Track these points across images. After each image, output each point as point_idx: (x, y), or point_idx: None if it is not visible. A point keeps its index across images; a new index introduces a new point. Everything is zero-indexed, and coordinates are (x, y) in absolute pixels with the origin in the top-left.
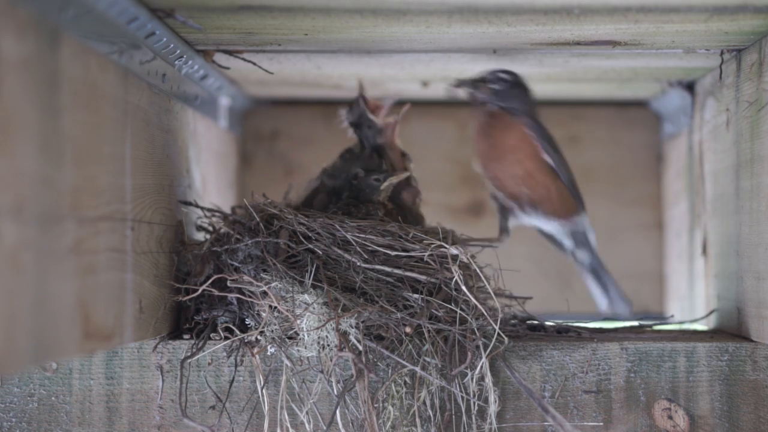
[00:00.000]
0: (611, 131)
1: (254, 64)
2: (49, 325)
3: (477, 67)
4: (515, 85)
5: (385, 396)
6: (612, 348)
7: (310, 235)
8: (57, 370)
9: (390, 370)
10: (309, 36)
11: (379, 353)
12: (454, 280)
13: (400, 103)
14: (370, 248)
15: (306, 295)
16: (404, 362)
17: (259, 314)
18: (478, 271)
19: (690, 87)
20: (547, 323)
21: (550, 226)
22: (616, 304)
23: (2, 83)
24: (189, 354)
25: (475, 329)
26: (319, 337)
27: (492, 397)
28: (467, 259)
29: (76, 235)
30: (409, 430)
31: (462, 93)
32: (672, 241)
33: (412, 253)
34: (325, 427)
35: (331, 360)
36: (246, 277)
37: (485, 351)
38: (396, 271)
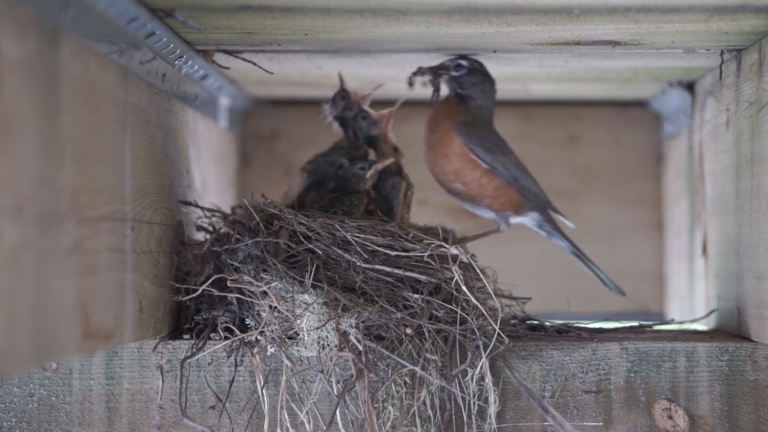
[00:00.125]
0: (611, 131)
1: (254, 64)
2: (49, 325)
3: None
4: (474, 71)
5: (385, 396)
6: (612, 348)
7: (310, 235)
8: (57, 370)
9: (390, 370)
10: (309, 36)
11: (379, 353)
12: (455, 280)
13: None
14: (370, 248)
15: (306, 295)
16: (404, 362)
17: (259, 314)
18: (478, 271)
19: (690, 87)
20: (547, 323)
21: (502, 218)
22: (609, 285)
23: (2, 83)
24: (189, 354)
25: (475, 329)
26: (319, 337)
27: (492, 397)
28: (467, 259)
29: (76, 235)
30: (409, 430)
31: (420, 81)
32: (672, 241)
33: (412, 253)
34: (325, 427)
35: (331, 360)
36: (246, 277)
37: (485, 351)
38: (396, 271)
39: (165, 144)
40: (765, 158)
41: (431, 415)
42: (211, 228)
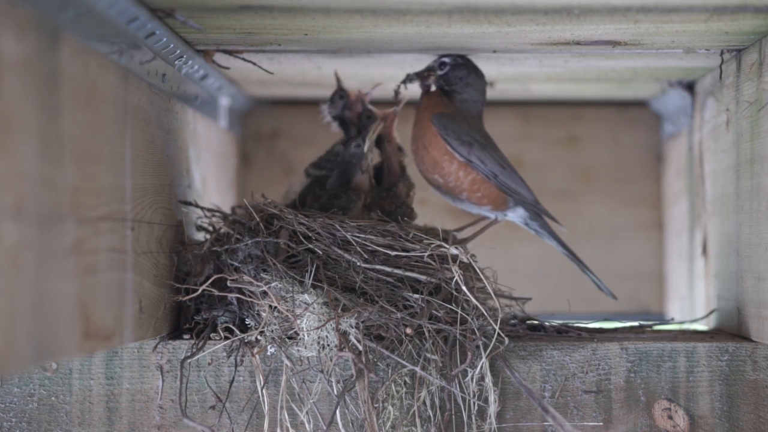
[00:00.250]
0: (611, 131)
1: (254, 64)
2: (49, 325)
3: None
4: (457, 66)
5: (385, 396)
6: (612, 348)
7: (310, 235)
8: (57, 370)
9: (390, 370)
10: (309, 36)
11: (379, 353)
12: (455, 280)
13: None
14: (370, 248)
15: (306, 295)
16: (404, 362)
17: (259, 314)
18: (478, 271)
19: (690, 87)
20: (547, 323)
21: (483, 213)
22: (602, 287)
23: (2, 83)
24: (189, 354)
25: (476, 329)
26: (319, 337)
27: (492, 397)
28: (467, 259)
29: (76, 235)
30: (409, 430)
31: (405, 88)
32: (672, 241)
33: (412, 253)
34: (325, 427)
35: (331, 360)
36: (246, 277)
37: (485, 351)
38: (396, 271)
39: (165, 144)
40: (765, 158)
41: (431, 415)
42: (211, 228)
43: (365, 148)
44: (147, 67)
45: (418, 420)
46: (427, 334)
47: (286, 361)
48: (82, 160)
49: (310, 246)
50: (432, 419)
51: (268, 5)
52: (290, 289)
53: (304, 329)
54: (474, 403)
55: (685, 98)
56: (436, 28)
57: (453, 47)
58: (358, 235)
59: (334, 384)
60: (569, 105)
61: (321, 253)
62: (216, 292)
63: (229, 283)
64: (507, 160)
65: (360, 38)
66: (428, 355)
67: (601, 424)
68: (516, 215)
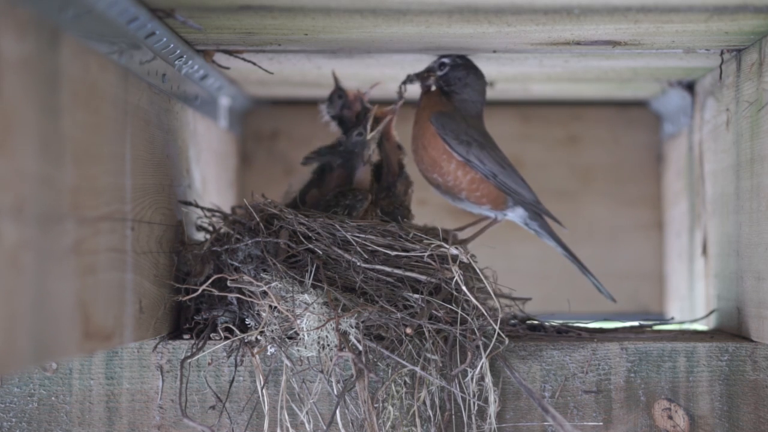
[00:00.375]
0: (611, 131)
1: (254, 64)
2: (49, 325)
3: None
4: (456, 67)
5: (385, 396)
6: (612, 348)
7: (310, 235)
8: (57, 370)
9: (390, 370)
10: (309, 36)
11: (379, 353)
12: (455, 280)
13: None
14: (370, 248)
15: (306, 295)
16: (404, 362)
17: (259, 314)
18: (478, 271)
19: (690, 87)
20: (547, 323)
21: (483, 213)
22: (601, 289)
23: (2, 83)
24: (189, 354)
25: (476, 329)
26: (319, 337)
27: (492, 397)
28: (467, 259)
29: (76, 235)
30: (409, 430)
31: (404, 90)
32: (672, 241)
33: (412, 253)
34: (325, 427)
35: (331, 360)
36: (246, 277)
37: (485, 351)
38: (396, 271)
39: (165, 144)
40: (765, 158)
41: (431, 415)
42: (211, 228)
43: (368, 136)
44: (147, 67)
45: (418, 420)
46: (427, 334)
47: (286, 361)
48: (82, 160)
49: (310, 246)
50: (432, 419)
51: (268, 5)
52: (290, 289)
53: (304, 329)
54: (474, 403)
55: (685, 98)
56: (436, 28)
57: (453, 47)
58: (358, 235)
59: (334, 384)
60: (569, 105)
61: (321, 253)
62: (216, 292)
63: (229, 283)
64: (507, 159)
65: (360, 38)
66: (428, 355)
67: (601, 424)
68: (515, 215)
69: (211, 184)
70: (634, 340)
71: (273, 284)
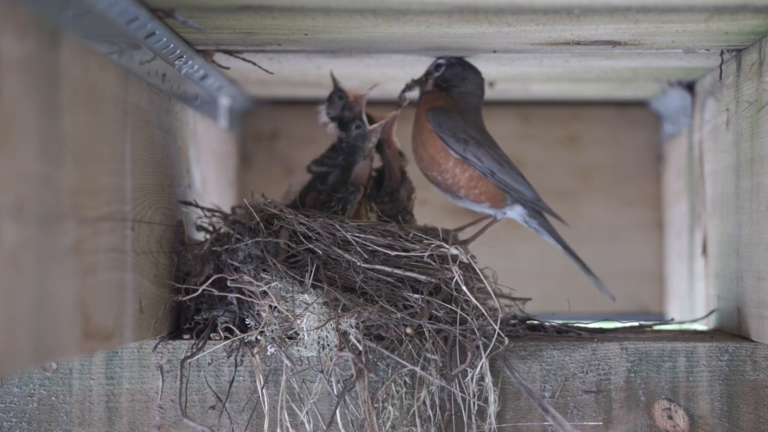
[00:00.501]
0: (611, 131)
1: (254, 64)
2: (49, 325)
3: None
4: (452, 65)
5: (385, 396)
6: (612, 348)
7: (310, 235)
8: (57, 370)
9: (390, 370)
10: (309, 36)
11: (379, 353)
12: (455, 280)
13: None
14: (370, 248)
15: (306, 295)
16: (404, 362)
17: (259, 314)
18: (478, 271)
19: (690, 87)
20: (547, 323)
21: (482, 211)
22: (602, 288)
23: (2, 83)
24: (189, 354)
25: (475, 329)
26: (319, 337)
27: (492, 397)
28: (467, 259)
29: (76, 235)
30: (409, 430)
31: (405, 98)
32: (672, 241)
33: (412, 254)
34: (325, 427)
35: (331, 360)
36: (246, 277)
37: (485, 351)
38: (396, 271)
39: (165, 144)
40: (765, 158)
41: (431, 415)
42: (211, 228)
43: (367, 127)
44: (147, 67)
45: (418, 420)
46: (427, 334)
47: (286, 361)
48: (82, 160)
49: (310, 246)
50: (432, 419)
51: (268, 5)
52: (290, 289)
53: (304, 329)
54: (474, 403)
55: (685, 98)
56: (436, 28)
57: (453, 47)
58: (358, 235)
59: (334, 384)
60: (569, 105)
61: (321, 253)
62: (216, 292)
63: (229, 283)
64: (506, 157)
65: (360, 38)
66: (428, 355)
67: (601, 424)
68: (515, 213)
69: (211, 184)
70: (634, 340)
71: (273, 284)
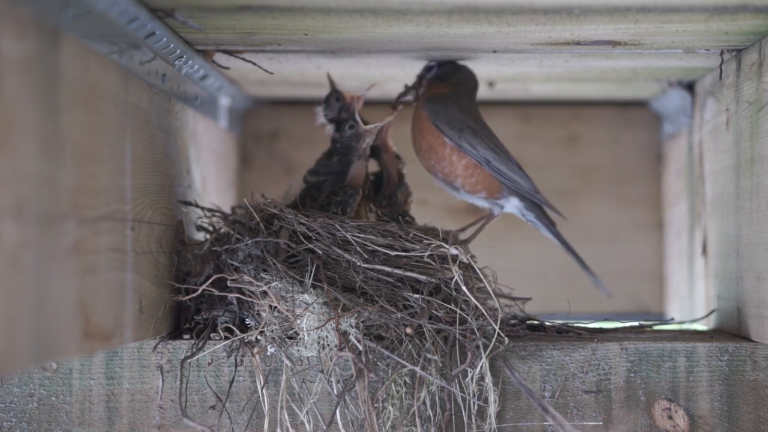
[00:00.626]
0: (611, 131)
1: (254, 64)
2: (49, 325)
3: (477, 67)
4: (443, 64)
5: (385, 396)
6: (612, 348)
7: (310, 235)
8: (57, 370)
9: (390, 370)
10: (309, 36)
11: (379, 353)
12: (454, 280)
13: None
14: (370, 248)
15: (306, 295)
16: (404, 362)
17: (259, 314)
18: (478, 271)
19: (690, 87)
20: (547, 323)
21: (478, 202)
22: (599, 285)
23: (2, 83)
24: (189, 354)
25: (475, 329)
26: (319, 337)
27: (492, 397)
28: (467, 259)
29: (76, 235)
30: (409, 430)
31: (400, 107)
32: (672, 241)
33: (412, 253)
34: (325, 427)
35: (331, 360)
36: (246, 277)
37: (485, 351)
38: (396, 271)
39: (165, 144)
40: (765, 158)
41: (431, 415)
42: (211, 228)
43: (360, 127)
44: (147, 67)
45: (418, 420)
46: (427, 334)
47: (286, 361)
48: (82, 160)
49: (310, 246)
50: (432, 419)
51: (268, 5)
52: (290, 289)
53: (304, 329)
54: (474, 403)
55: (685, 98)
56: (436, 28)
57: (453, 47)
58: (358, 235)
59: (334, 384)
60: (569, 105)
61: (321, 253)
62: (216, 292)
63: (229, 283)
64: (503, 147)
65: (360, 38)
66: (428, 355)
67: (601, 424)
68: (511, 205)
69: (211, 184)
70: (634, 340)
71: (273, 284)
